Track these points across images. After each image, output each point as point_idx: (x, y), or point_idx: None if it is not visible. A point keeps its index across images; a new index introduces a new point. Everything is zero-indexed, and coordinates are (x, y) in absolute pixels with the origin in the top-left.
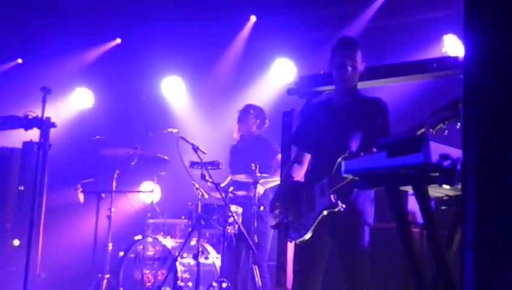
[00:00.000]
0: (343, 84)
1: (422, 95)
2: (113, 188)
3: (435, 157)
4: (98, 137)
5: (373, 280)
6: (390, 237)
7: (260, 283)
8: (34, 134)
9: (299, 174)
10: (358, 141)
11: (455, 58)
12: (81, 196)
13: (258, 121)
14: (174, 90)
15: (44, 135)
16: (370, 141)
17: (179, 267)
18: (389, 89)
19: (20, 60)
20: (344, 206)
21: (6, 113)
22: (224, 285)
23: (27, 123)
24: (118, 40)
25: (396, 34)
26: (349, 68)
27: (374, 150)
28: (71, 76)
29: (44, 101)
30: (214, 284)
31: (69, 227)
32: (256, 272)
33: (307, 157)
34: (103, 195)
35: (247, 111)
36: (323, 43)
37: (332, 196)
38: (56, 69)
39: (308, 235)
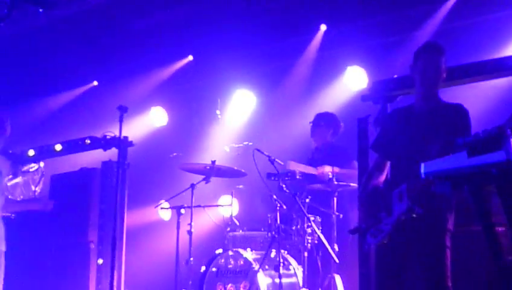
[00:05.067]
0: (425, 89)
1: (499, 95)
2: (192, 203)
3: None
4: (175, 154)
5: (454, 285)
6: (469, 241)
7: None
8: (112, 153)
9: (380, 181)
10: (439, 148)
11: None
12: (162, 213)
13: (331, 130)
14: (246, 103)
15: (122, 154)
16: (451, 148)
17: (261, 280)
18: (466, 90)
19: (95, 83)
20: (420, 211)
21: (84, 134)
22: None
23: (105, 143)
24: (190, 57)
25: (469, 34)
26: (432, 73)
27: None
28: (145, 95)
29: (121, 120)
30: None
31: (151, 244)
32: (339, 281)
33: (387, 164)
34: (183, 211)
35: (318, 123)
36: (394, 48)
37: (409, 201)
38: (130, 89)
39: (385, 240)
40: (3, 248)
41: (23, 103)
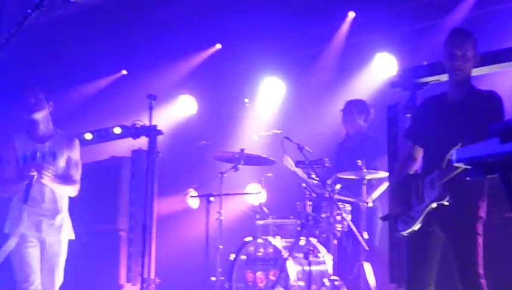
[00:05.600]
0: (454, 74)
1: None
2: (221, 192)
3: None
4: (203, 142)
5: (487, 272)
6: (501, 228)
7: (374, 281)
8: (142, 142)
9: (412, 168)
10: (472, 135)
11: None
12: (191, 201)
13: (362, 117)
14: (274, 91)
15: (152, 143)
16: (484, 135)
17: (290, 267)
18: (499, 76)
19: (124, 72)
20: (452, 199)
21: (114, 123)
22: (336, 283)
23: (135, 132)
24: (218, 46)
25: (499, 19)
26: (460, 59)
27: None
28: (174, 84)
29: (151, 109)
30: (326, 282)
31: (180, 232)
32: (368, 269)
33: (420, 152)
34: (212, 199)
35: (349, 110)
36: (424, 35)
37: (441, 188)
38: (159, 78)
39: (416, 227)
40: (73, 237)
41: (51, 93)
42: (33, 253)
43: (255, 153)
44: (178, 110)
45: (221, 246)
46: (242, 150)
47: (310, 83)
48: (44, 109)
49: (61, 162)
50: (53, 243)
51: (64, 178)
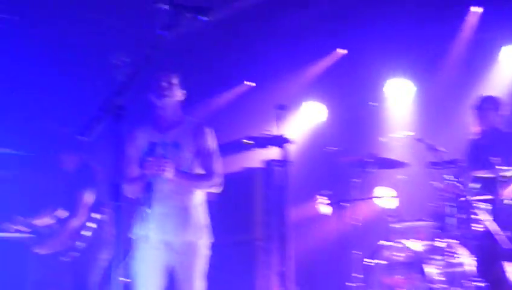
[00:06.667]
0: None
1: None
2: (354, 196)
3: None
4: (333, 148)
5: None
6: None
7: None
8: (273, 152)
9: None
10: None
11: None
12: (324, 208)
13: (497, 112)
14: (403, 92)
15: (283, 152)
16: None
17: (430, 270)
18: None
19: (251, 83)
20: None
21: (244, 135)
22: (478, 285)
23: (265, 142)
24: (343, 51)
25: None
26: None
27: None
28: (301, 91)
29: (281, 119)
30: (467, 284)
31: (313, 239)
32: (510, 270)
33: None
34: (344, 204)
35: (483, 107)
36: None
37: None
38: (286, 86)
39: None
40: (212, 239)
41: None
42: (158, 257)
43: (385, 156)
44: (306, 117)
45: (357, 252)
46: (373, 153)
47: (438, 81)
48: (176, 95)
49: (188, 154)
50: (181, 246)
51: (194, 172)
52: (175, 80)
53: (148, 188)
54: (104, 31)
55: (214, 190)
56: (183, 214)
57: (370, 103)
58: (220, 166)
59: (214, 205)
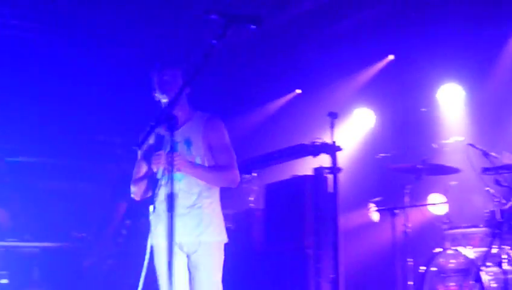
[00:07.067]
0: None
1: None
2: (405, 204)
3: None
4: (383, 155)
5: None
6: None
7: None
8: (323, 159)
9: None
10: None
11: None
12: (374, 215)
13: None
14: (452, 97)
15: (333, 160)
16: None
17: (485, 277)
18: None
19: (299, 91)
20: None
21: (293, 142)
22: None
23: (315, 150)
24: (391, 57)
25: None
26: None
27: None
28: (350, 98)
29: (332, 126)
30: None
31: (364, 247)
32: None
33: None
34: (396, 211)
35: None
36: None
37: None
38: (337, 94)
39: None
40: (226, 239)
41: (232, 116)
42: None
43: (436, 162)
44: (356, 124)
45: (410, 259)
46: (424, 160)
47: (489, 86)
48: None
49: (199, 149)
50: (193, 246)
51: (207, 167)
52: (177, 73)
53: (157, 187)
54: (156, 42)
55: (228, 185)
56: (194, 214)
57: (422, 109)
58: (233, 160)
59: (265, 213)
